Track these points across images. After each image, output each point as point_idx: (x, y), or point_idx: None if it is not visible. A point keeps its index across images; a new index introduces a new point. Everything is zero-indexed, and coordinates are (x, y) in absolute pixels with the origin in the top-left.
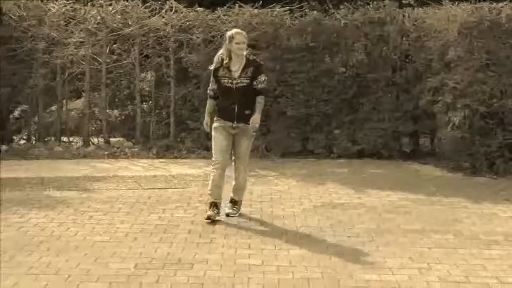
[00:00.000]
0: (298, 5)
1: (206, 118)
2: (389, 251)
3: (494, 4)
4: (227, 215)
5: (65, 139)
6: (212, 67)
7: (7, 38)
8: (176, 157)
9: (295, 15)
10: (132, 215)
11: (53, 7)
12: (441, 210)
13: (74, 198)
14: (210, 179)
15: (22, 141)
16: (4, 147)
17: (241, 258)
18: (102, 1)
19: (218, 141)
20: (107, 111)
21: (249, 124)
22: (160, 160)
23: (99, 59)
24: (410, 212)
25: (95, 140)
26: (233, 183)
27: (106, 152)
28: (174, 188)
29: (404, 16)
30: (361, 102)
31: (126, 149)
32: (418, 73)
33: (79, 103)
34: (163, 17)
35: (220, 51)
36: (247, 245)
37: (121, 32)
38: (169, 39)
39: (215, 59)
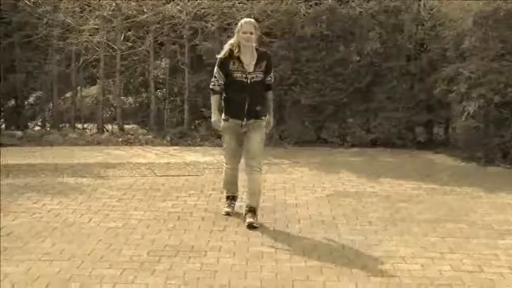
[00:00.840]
0: None
1: (216, 116)
2: (402, 240)
3: None
4: (250, 225)
5: (79, 125)
6: (220, 55)
7: (23, 24)
8: (190, 145)
9: (310, 3)
10: (146, 202)
11: None
12: (455, 199)
13: (88, 184)
14: (223, 176)
15: (37, 128)
16: (19, 133)
17: (254, 246)
18: None
19: (227, 144)
20: (121, 98)
21: (260, 119)
22: (174, 147)
23: (114, 46)
24: (424, 201)
25: (109, 127)
26: (247, 187)
27: (120, 139)
28: (188, 176)
29: (419, 5)
30: (375, 91)
31: (140, 136)
32: (433, 62)
33: (93, 90)
34: (178, 5)
35: (231, 40)
36: (260, 233)
37: (136, 19)
38: (184, 27)
39: (225, 48)
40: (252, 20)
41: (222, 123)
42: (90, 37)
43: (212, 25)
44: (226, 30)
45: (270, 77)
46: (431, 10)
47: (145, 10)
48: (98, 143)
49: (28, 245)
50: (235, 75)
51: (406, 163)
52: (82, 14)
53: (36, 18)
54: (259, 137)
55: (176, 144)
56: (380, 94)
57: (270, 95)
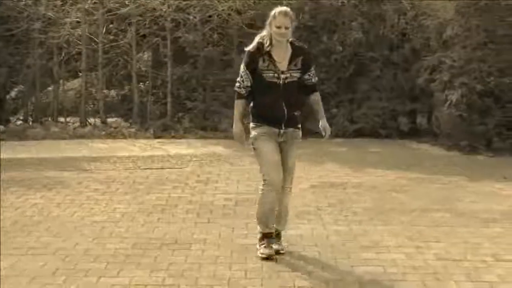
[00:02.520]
0: None
1: (238, 126)
2: (387, 230)
3: None
4: (277, 252)
5: (62, 119)
6: (248, 48)
7: (4, 18)
8: (173, 137)
9: None
10: (130, 195)
11: None
12: (439, 188)
13: (71, 178)
14: (260, 204)
15: (19, 122)
16: (1, 127)
17: (238, 238)
18: None
19: (268, 154)
20: (104, 91)
21: (298, 127)
22: (158, 140)
23: (96, 39)
24: (409, 191)
25: (92, 120)
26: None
27: (103, 133)
28: (172, 168)
29: None
30: (359, 81)
31: (123, 129)
32: (415, 52)
33: (76, 83)
34: None
35: (263, 32)
36: (245, 225)
37: (118, 12)
38: (166, 19)
39: (254, 42)
40: (288, 10)
41: (255, 131)
42: (72, 30)
43: (194, 17)
44: (208, 22)
45: (310, 75)
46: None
47: (127, 3)
48: (81, 137)
49: (12, 239)
50: (265, 74)
51: (391, 153)
52: (63, 7)
53: (17, 12)
54: (296, 150)
55: (160, 137)
56: (364, 84)
57: (317, 96)
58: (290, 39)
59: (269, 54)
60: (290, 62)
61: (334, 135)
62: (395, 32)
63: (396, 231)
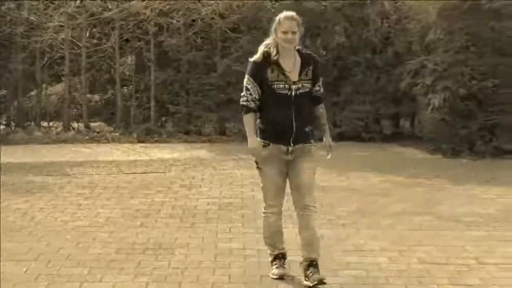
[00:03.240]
0: None
1: (253, 140)
2: (370, 234)
3: None
4: (320, 282)
5: (45, 124)
6: (253, 59)
7: None
8: (157, 141)
9: None
10: (113, 200)
11: None
12: (422, 192)
13: (54, 183)
14: (264, 226)
15: (2, 127)
16: None
17: (222, 242)
18: None
19: (270, 177)
20: (87, 95)
21: (310, 142)
22: (141, 144)
23: (79, 44)
24: (392, 194)
25: (75, 125)
26: (300, 235)
27: (86, 137)
28: (155, 173)
29: None
30: (342, 84)
31: (107, 133)
32: (398, 56)
33: (59, 88)
34: (143, 1)
35: (267, 41)
36: (228, 229)
37: (101, 16)
38: (149, 23)
39: (259, 51)
40: (294, 14)
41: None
42: (55, 34)
43: (178, 21)
44: (192, 26)
45: (319, 86)
46: (396, 3)
47: (110, 7)
48: (64, 141)
49: None
50: (275, 86)
51: (374, 156)
52: (46, 12)
53: (0, 16)
54: (312, 166)
55: (143, 141)
56: (347, 87)
57: (322, 109)
58: (297, 47)
59: (277, 63)
60: (301, 72)
61: (317, 139)
62: (378, 35)
63: (380, 234)
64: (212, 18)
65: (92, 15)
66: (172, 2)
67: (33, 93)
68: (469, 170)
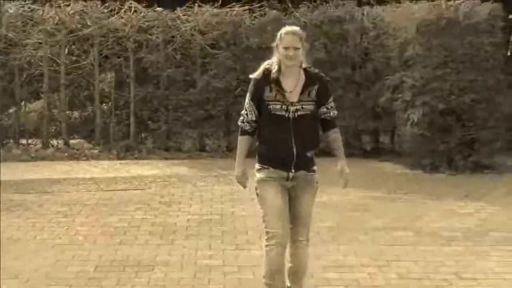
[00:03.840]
0: (258, 4)
1: (240, 168)
2: (349, 249)
3: (452, 1)
4: None
5: (24, 141)
6: (254, 75)
7: None
8: (136, 158)
9: (255, 14)
10: (92, 217)
11: (10, 8)
12: (402, 207)
13: (33, 201)
14: (265, 261)
15: None
16: None
17: (202, 259)
18: (60, 2)
19: (271, 200)
20: (67, 112)
21: (313, 170)
22: (121, 161)
23: (58, 60)
24: (371, 209)
25: (54, 142)
26: (289, 263)
27: (65, 154)
28: (135, 190)
29: (363, 14)
30: None
31: (86, 150)
32: (377, 71)
33: (38, 105)
34: (122, 18)
35: (273, 59)
36: (208, 246)
37: (80, 33)
38: (129, 40)
39: (260, 68)
40: (297, 29)
41: (259, 174)
42: (34, 51)
43: (157, 37)
44: (171, 42)
45: (328, 108)
46: (375, 19)
47: (89, 24)
48: (43, 159)
49: None
50: (271, 106)
51: (353, 172)
52: (24, 29)
53: None
54: (312, 197)
55: (123, 158)
56: None
57: (335, 133)
58: (304, 65)
59: (277, 82)
60: (302, 92)
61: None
62: (357, 51)
63: (359, 250)
64: (192, 35)
65: (71, 32)
66: (151, 19)
67: (11, 110)
68: (448, 185)
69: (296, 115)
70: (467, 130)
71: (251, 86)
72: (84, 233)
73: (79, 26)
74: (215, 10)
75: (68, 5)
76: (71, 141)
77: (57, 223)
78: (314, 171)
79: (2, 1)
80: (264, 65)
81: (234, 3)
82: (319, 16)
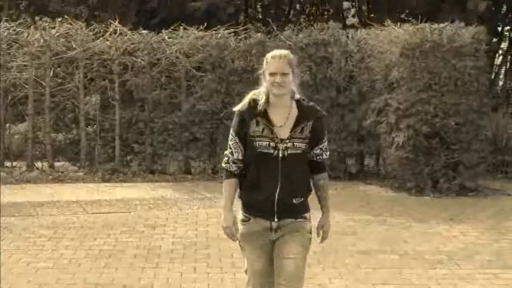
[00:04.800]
0: (243, 28)
1: (227, 218)
2: (335, 273)
3: (436, 25)
4: None
5: (8, 164)
6: (237, 108)
7: None
8: (121, 181)
9: (240, 37)
10: (77, 240)
11: None
12: (387, 230)
13: (17, 224)
14: None
15: None
16: None
17: (186, 282)
18: (45, 24)
19: (252, 263)
20: (52, 135)
21: (302, 217)
22: (106, 184)
23: (43, 83)
24: (356, 232)
25: (39, 164)
26: None
27: (50, 177)
28: (120, 213)
29: (348, 37)
30: None
31: (71, 173)
32: (362, 94)
33: (22, 127)
34: (108, 40)
35: (259, 89)
36: (193, 269)
37: (65, 55)
38: (114, 62)
39: (245, 98)
40: (286, 52)
41: (240, 227)
42: (19, 74)
43: (142, 60)
44: (156, 65)
45: (321, 149)
46: (359, 42)
47: (74, 46)
48: (28, 181)
49: None
50: (257, 143)
51: (339, 195)
52: (9, 51)
53: None
54: (301, 248)
55: (108, 181)
56: None
57: (324, 180)
58: (297, 97)
59: (265, 114)
60: (294, 127)
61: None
62: (342, 74)
63: (345, 273)
64: (177, 57)
65: (56, 54)
66: (136, 41)
67: None
68: (433, 208)
69: (285, 153)
70: (451, 153)
71: (234, 120)
72: (69, 256)
73: (64, 48)
74: (200, 33)
75: (53, 28)
76: (56, 164)
77: (41, 246)
78: (305, 218)
79: None
80: (250, 96)
81: (219, 26)
82: (304, 39)
